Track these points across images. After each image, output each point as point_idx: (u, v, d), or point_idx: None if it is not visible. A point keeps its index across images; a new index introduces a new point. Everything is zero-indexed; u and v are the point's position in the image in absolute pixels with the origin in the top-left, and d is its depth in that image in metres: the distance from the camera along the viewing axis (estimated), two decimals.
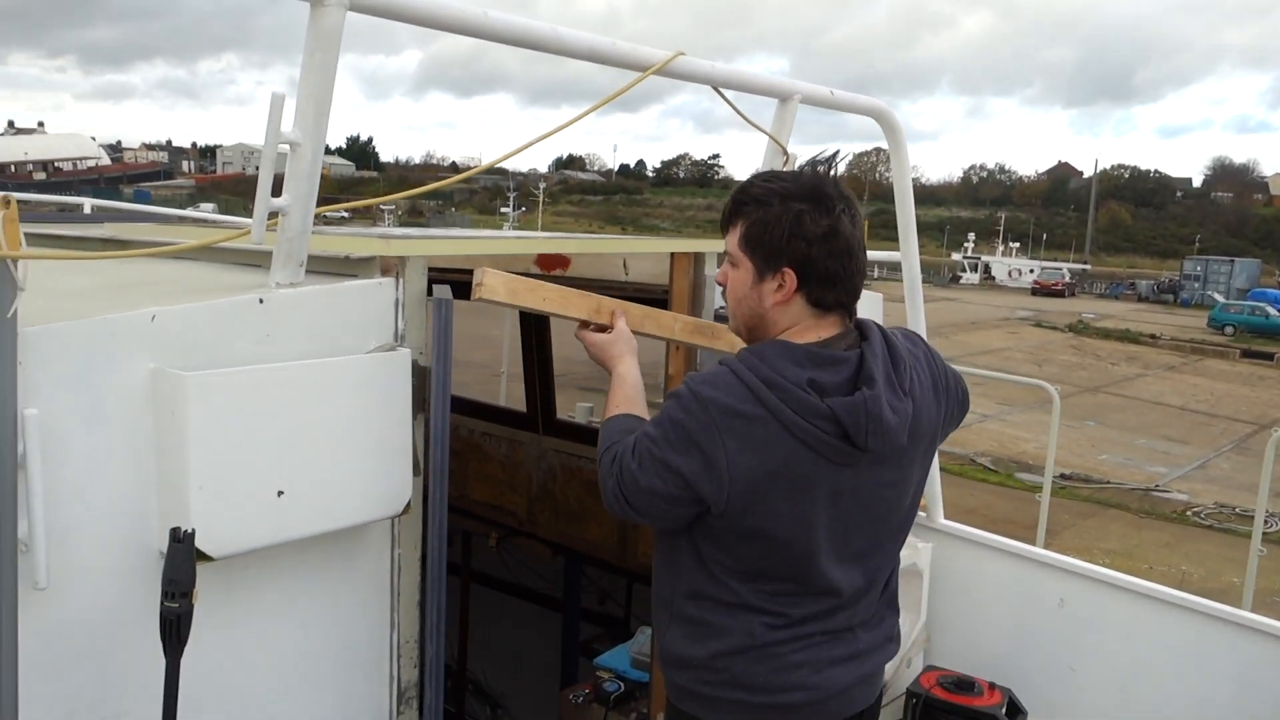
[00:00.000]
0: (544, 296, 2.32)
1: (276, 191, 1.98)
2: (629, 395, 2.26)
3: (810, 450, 1.90)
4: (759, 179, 2.04)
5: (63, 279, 2.27)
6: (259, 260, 2.40)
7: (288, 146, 1.94)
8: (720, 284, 2.15)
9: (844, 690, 2.10)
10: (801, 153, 2.86)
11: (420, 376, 2.23)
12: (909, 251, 3.59)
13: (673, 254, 2.98)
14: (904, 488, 2.10)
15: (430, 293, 2.27)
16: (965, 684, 3.61)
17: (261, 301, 1.99)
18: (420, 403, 2.23)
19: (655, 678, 3.24)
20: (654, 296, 2.87)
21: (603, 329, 2.41)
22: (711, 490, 1.91)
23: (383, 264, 2.20)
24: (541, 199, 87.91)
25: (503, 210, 70.24)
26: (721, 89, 2.80)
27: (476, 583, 5.34)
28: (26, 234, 1.66)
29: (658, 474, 1.94)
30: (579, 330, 2.42)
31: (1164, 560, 14.03)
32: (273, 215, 1.98)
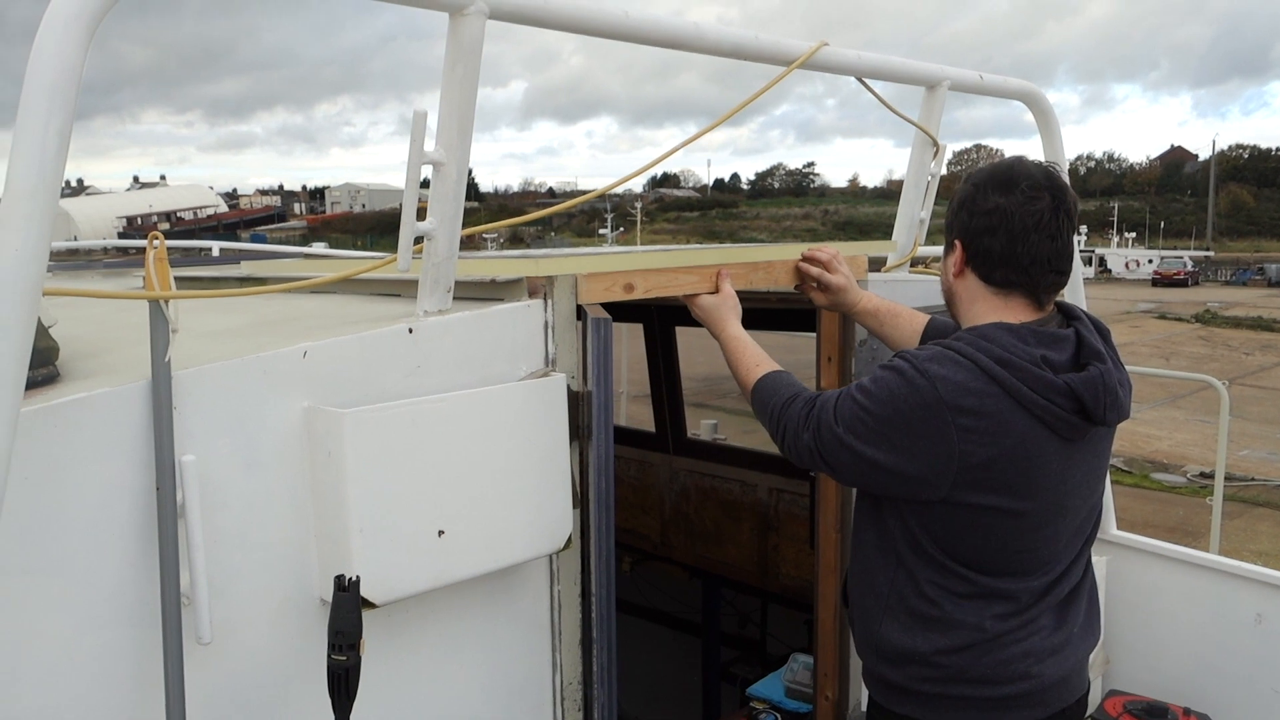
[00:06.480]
0: (646, 288, 2.31)
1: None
2: (758, 354, 2.26)
3: (1045, 427, 1.87)
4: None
5: (209, 319, 2.22)
6: (398, 290, 2.32)
7: (431, 167, 1.84)
8: None
9: (1062, 679, 2.04)
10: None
11: (574, 402, 2.10)
12: None
13: None
14: (1106, 461, 2.10)
15: (579, 314, 2.15)
16: (1157, 710, 3.31)
17: (411, 331, 1.90)
18: (575, 430, 2.11)
19: (820, 709, 3.05)
20: (803, 306, 2.71)
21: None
22: (933, 472, 1.87)
23: (530, 285, 2.09)
24: (640, 218, 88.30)
25: (600, 232, 70.69)
26: (866, 80, 2.63)
27: None
28: None
29: (872, 443, 1.90)
30: (685, 296, 2.43)
31: None
32: (417, 241, 1.88)
